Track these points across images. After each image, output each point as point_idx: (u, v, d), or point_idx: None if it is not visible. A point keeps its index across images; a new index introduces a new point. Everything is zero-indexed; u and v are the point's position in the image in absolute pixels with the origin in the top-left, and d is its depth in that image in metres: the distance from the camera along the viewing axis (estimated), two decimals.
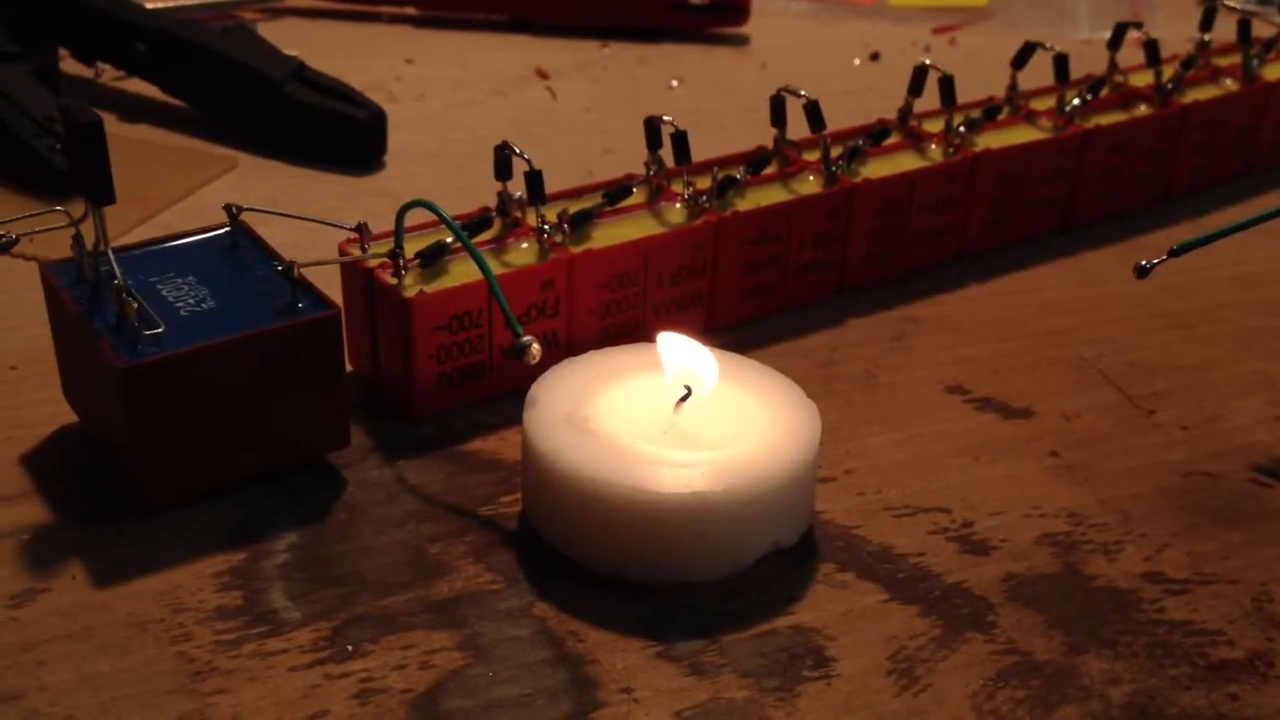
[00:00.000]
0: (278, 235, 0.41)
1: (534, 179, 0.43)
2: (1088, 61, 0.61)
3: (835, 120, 0.51)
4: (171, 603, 0.34)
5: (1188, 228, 0.58)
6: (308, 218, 0.41)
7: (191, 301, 0.37)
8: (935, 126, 0.53)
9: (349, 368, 0.42)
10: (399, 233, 0.40)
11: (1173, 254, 0.40)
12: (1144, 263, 0.40)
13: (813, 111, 0.48)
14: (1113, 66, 0.58)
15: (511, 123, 0.65)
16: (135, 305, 0.35)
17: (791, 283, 0.49)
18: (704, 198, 0.46)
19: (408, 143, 0.61)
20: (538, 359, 0.37)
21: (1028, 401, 0.45)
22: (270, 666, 0.33)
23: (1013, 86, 0.56)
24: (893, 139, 0.52)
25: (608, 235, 0.44)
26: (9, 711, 0.31)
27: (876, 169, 0.50)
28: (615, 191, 0.46)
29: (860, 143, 0.50)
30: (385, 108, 0.59)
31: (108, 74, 0.65)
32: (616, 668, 0.33)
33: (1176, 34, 0.76)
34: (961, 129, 0.52)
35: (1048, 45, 0.55)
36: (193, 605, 0.34)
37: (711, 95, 0.69)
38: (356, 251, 0.41)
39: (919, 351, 0.47)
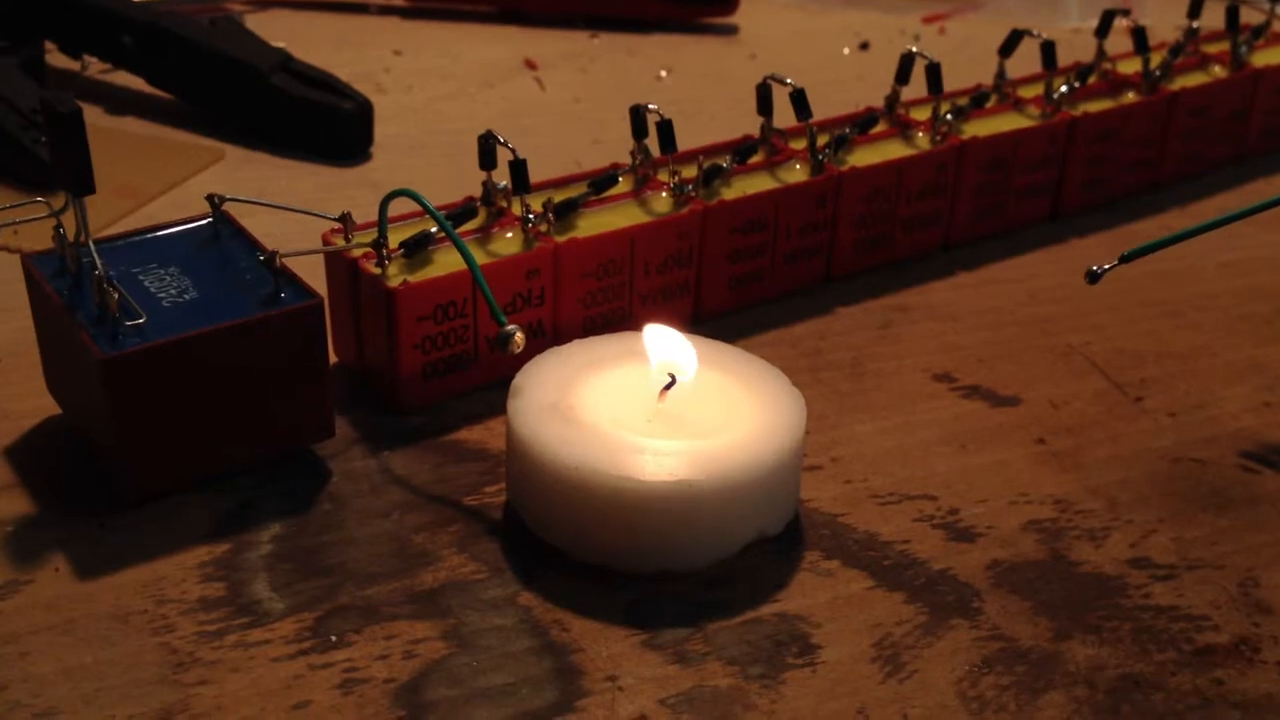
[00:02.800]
0: (263, 226, 0.41)
1: (518, 168, 0.43)
2: (1076, 50, 0.61)
3: (826, 109, 0.51)
4: (155, 594, 0.34)
5: (1177, 215, 0.57)
6: (291, 208, 0.41)
7: (174, 292, 0.37)
8: (923, 115, 0.53)
9: (333, 358, 0.42)
10: (382, 222, 0.40)
11: (1124, 259, 0.40)
12: (1094, 268, 0.40)
13: (798, 100, 0.48)
14: (1100, 54, 0.58)
15: (500, 114, 0.64)
16: (116, 296, 0.35)
17: (779, 271, 0.49)
18: (690, 186, 0.46)
19: (396, 134, 0.61)
20: (521, 348, 0.37)
21: (1015, 389, 0.45)
22: (253, 657, 0.33)
23: (1000, 74, 0.55)
24: (880, 127, 0.52)
25: (593, 224, 0.44)
26: None
27: (864, 157, 0.50)
28: (601, 180, 0.46)
29: (847, 131, 0.50)
30: (373, 99, 0.59)
31: (94, 66, 0.65)
32: (601, 656, 0.33)
33: (1165, 22, 0.76)
34: (949, 117, 0.52)
35: (1035, 33, 0.55)
36: (176, 597, 0.34)
37: (701, 85, 0.69)
38: (340, 242, 0.41)
39: (907, 340, 0.47)
